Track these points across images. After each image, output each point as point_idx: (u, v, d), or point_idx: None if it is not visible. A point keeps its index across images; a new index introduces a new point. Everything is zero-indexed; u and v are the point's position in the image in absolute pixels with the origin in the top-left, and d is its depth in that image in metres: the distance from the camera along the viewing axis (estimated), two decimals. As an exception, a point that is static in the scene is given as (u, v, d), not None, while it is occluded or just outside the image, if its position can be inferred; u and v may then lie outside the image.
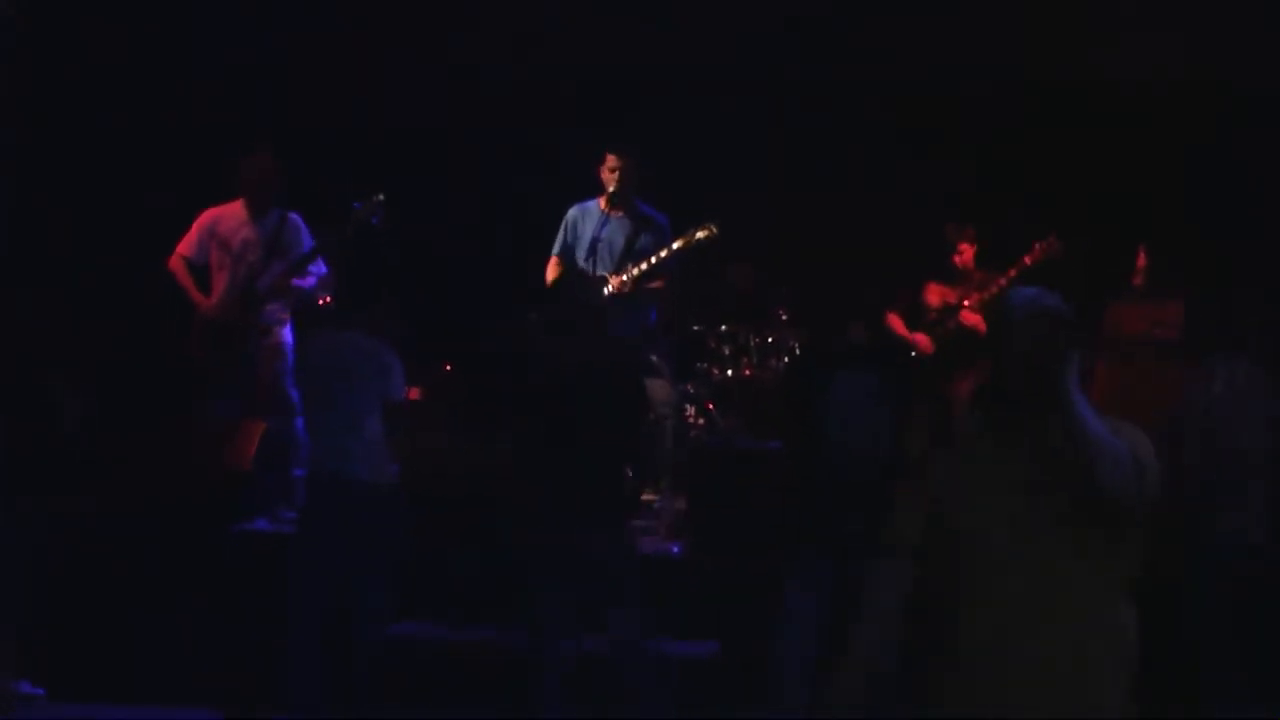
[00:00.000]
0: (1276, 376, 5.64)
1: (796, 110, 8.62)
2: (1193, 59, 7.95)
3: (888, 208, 8.31)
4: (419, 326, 6.72)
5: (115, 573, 6.58)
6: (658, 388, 7.05)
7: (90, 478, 6.38)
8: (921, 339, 7.98)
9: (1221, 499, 5.54)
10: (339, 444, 5.73)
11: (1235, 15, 7.73)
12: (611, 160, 7.12)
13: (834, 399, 5.64)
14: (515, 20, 8.54)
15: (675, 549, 6.82)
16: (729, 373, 8.25)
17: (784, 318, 8.34)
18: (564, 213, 7.33)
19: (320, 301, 7.25)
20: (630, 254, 7.11)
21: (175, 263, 7.27)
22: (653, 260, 7.03)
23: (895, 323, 8.07)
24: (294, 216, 7.28)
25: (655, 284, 7.12)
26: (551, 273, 7.21)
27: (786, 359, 8.18)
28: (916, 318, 8.04)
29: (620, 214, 7.19)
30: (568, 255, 7.25)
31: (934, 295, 8.03)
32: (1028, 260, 7.75)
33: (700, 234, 7.08)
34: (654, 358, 7.17)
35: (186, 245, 7.27)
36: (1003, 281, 7.73)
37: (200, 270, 7.27)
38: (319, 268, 7.22)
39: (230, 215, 7.29)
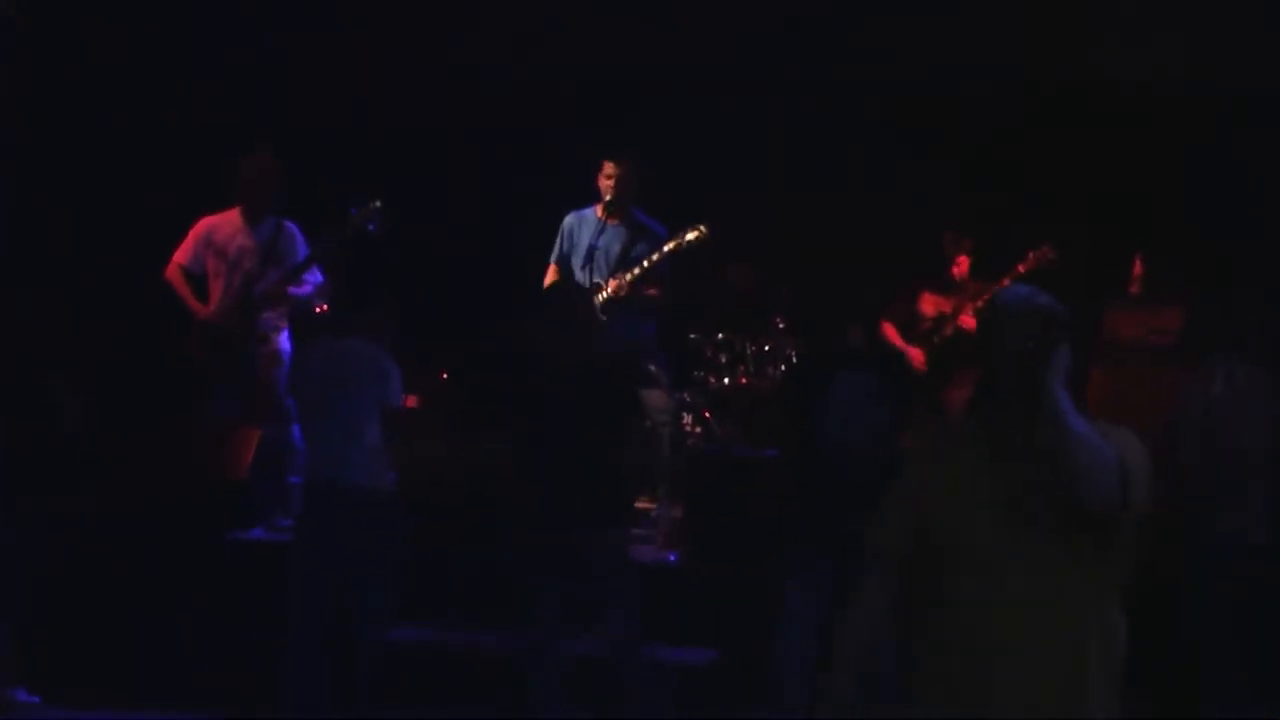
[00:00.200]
0: (1276, 377, 5.64)
1: (796, 110, 8.60)
2: (1193, 59, 7.94)
3: (887, 208, 8.30)
4: (417, 329, 6.72)
5: (114, 575, 6.59)
6: (655, 397, 7.06)
7: (90, 478, 6.38)
8: (915, 354, 7.98)
9: (1221, 499, 5.55)
10: (337, 451, 5.74)
11: (1235, 16, 7.72)
12: (608, 168, 7.11)
13: (833, 399, 5.63)
14: (515, 20, 8.54)
15: (672, 557, 6.82)
16: (726, 381, 8.25)
17: (781, 326, 8.34)
18: (562, 216, 7.32)
19: (317, 309, 7.25)
20: (626, 262, 7.10)
21: (172, 271, 7.25)
22: (645, 264, 7.02)
23: (890, 332, 8.07)
24: (290, 224, 7.27)
25: (651, 291, 7.11)
26: (549, 281, 7.21)
27: (783, 367, 8.18)
28: (911, 327, 8.05)
29: (617, 222, 7.17)
30: (565, 263, 7.24)
31: (929, 305, 8.04)
32: (1021, 268, 7.77)
33: (690, 235, 7.06)
34: (652, 367, 7.16)
35: (182, 254, 7.26)
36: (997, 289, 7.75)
37: (198, 279, 7.26)
38: (315, 275, 7.21)
39: (226, 223, 7.27)
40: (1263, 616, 5.54)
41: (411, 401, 6.09)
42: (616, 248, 7.14)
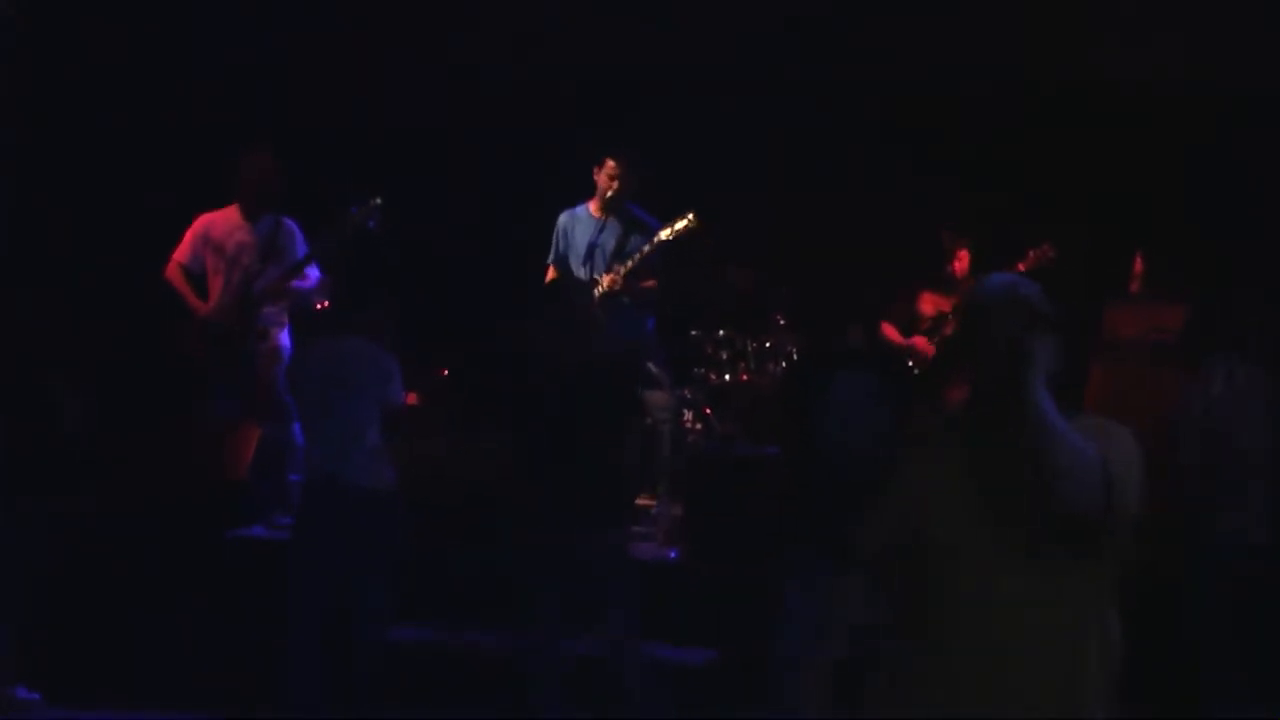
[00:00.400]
0: (1276, 376, 5.63)
1: (796, 110, 8.60)
2: (1193, 59, 7.93)
3: (887, 208, 8.29)
4: (418, 327, 6.71)
5: (114, 574, 6.59)
6: (656, 395, 7.06)
7: (90, 478, 6.38)
8: (919, 341, 7.99)
9: (1221, 499, 5.54)
10: (337, 450, 5.74)
11: (1235, 16, 7.71)
12: (611, 166, 7.10)
13: (834, 399, 5.63)
14: (515, 20, 8.53)
15: (672, 554, 6.82)
16: (727, 378, 8.24)
17: (782, 323, 8.34)
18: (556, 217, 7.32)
19: (317, 306, 7.25)
20: (621, 256, 7.09)
21: (172, 270, 7.26)
22: (637, 256, 7.01)
23: (890, 332, 8.08)
24: (289, 221, 7.27)
25: (647, 283, 7.11)
26: (550, 279, 7.22)
27: (784, 364, 8.17)
28: (911, 328, 8.05)
29: (613, 218, 7.17)
30: (563, 263, 7.24)
31: (928, 304, 8.05)
32: (1021, 267, 7.77)
33: (680, 224, 7.04)
34: (652, 366, 7.16)
35: (182, 253, 7.27)
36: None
37: (197, 277, 7.26)
38: (314, 271, 7.20)
39: (224, 220, 7.27)
40: (1263, 616, 5.53)
41: (412, 400, 6.08)
42: (613, 243, 7.14)
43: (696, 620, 6.26)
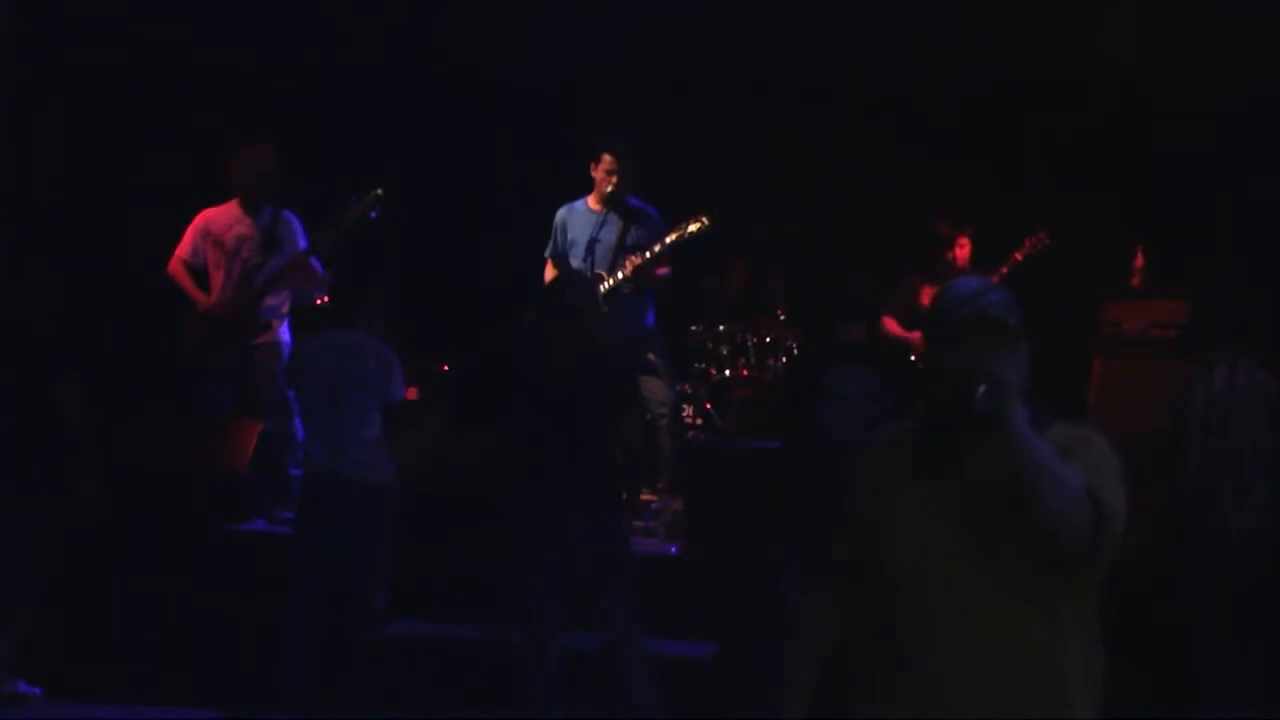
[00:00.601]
0: (1277, 374, 5.62)
1: (797, 110, 8.58)
2: (1193, 59, 7.90)
3: (886, 204, 8.28)
4: (418, 322, 6.72)
5: (114, 569, 6.59)
6: (655, 388, 7.05)
7: (90, 474, 6.36)
8: (919, 334, 7.98)
9: (1223, 495, 5.53)
10: (338, 444, 5.75)
11: (1235, 16, 7.68)
12: (608, 160, 7.08)
13: (833, 393, 5.64)
14: (515, 20, 8.51)
15: (673, 549, 6.81)
16: (727, 372, 8.24)
17: (781, 317, 8.33)
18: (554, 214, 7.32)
19: (317, 301, 7.25)
20: (623, 250, 7.08)
21: (174, 266, 7.26)
22: (648, 255, 7.00)
23: (891, 325, 8.06)
24: (288, 214, 7.27)
25: (660, 271, 7.09)
26: (548, 276, 7.20)
27: (784, 359, 8.16)
28: (911, 320, 8.04)
29: (613, 212, 7.16)
30: (562, 258, 7.23)
31: (929, 297, 8.00)
32: (1018, 256, 7.78)
33: (693, 226, 7.03)
34: (651, 357, 7.14)
35: (183, 248, 7.27)
36: (994, 280, 7.75)
37: (200, 272, 7.26)
38: (317, 264, 7.20)
39: (224, 214, 7.28)
40: (1263, 616, 5.52)
41: (412, 394, 6.08)
42: (613, 237, 7.12)
43: (698, 615, 6.26)
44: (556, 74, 8.61)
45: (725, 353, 8.26)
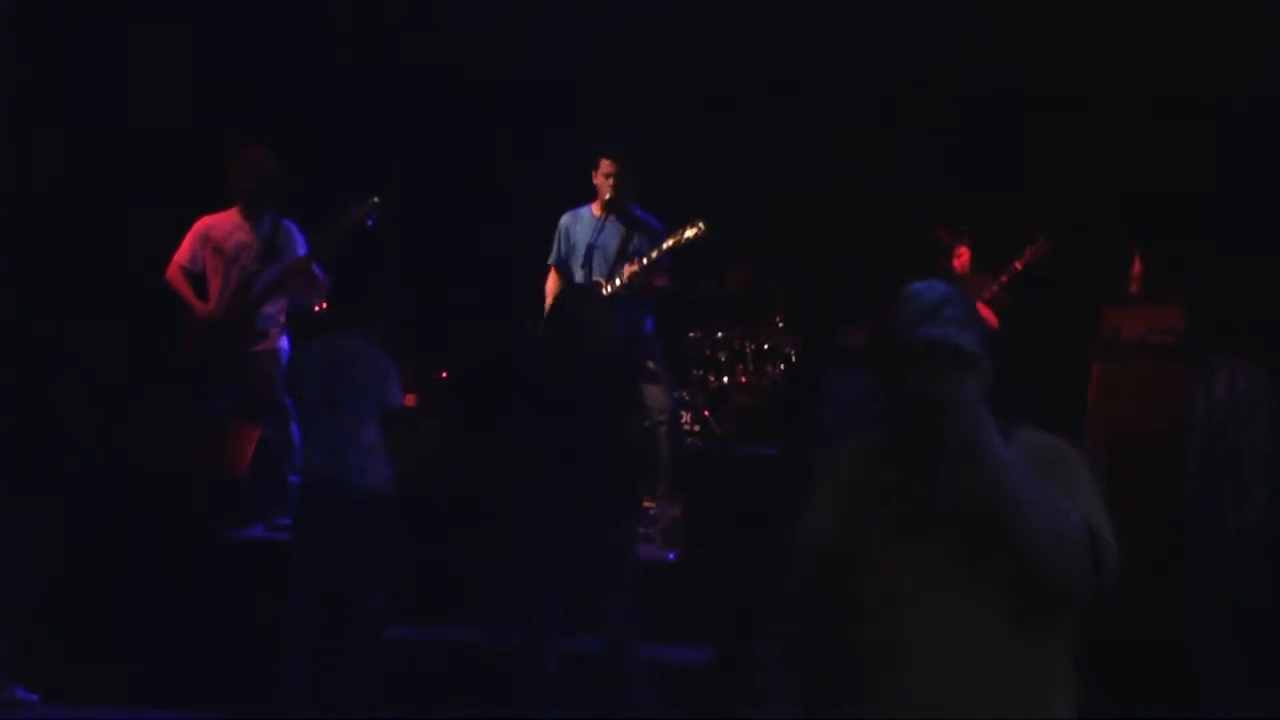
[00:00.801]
0: (1277, 377, 5.63)
1: (797, 110, 8.59)
2: (1193, 60, 7.92)
3: (887, 207, 8.29)
4: (417, 328, 6.71)
5: (114, 574, 6.58)
6: (654, 394, 7.05)
7: (90, 477, 6.36)
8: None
9: (1223, 499, 5.54)
10: (336, 449, 5.76)
11: (1235, 16, 7.70)
12: (606, 166, 7.08)
13: (833, 397, 5.63)
14: (515, 20, 8.52)
15: (672, 555, 6.81)
16: (725, 379, 8.23)
17: (780, 324, 8.32)
18: (560, 216, 7.31)
19: (315, 308, 7.25)
20: (624, 257, 7.08)
21: (173, 272, 7.26)
22: (644, 261, 7.00)
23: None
24: (288, 222, 7.27)
25: (659, 280, 7.09)
26: (551, 283, 7.22)
27: (783, 365, 8.16)
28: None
29: (614, 219, 7.16)
30: (564, 264, 7.23)
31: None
32: (1018, 264, 7.79)
33: (690, 232, 7.02)
34: (650, 364, 7.14)
35: (182, 254, 7.27)
36: (995, 287, 7.81)
37: (199, 279, 7.26)
38: (319, 271, 7.20)
39: (223, 220, 7.28)
40: (1263, 616, 5.52)
41: (410, 400, 6.08)
42: (614, 244, 7.12)
43: (695, 621, 6.25)
44: (556, 74, 8.61)
45: (723, 359, 8.25)
